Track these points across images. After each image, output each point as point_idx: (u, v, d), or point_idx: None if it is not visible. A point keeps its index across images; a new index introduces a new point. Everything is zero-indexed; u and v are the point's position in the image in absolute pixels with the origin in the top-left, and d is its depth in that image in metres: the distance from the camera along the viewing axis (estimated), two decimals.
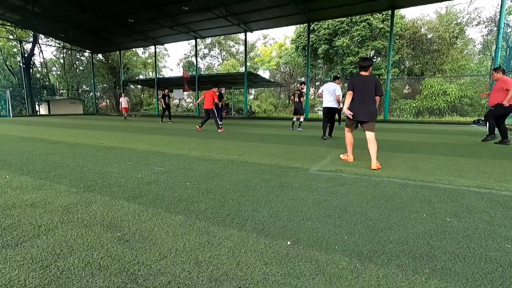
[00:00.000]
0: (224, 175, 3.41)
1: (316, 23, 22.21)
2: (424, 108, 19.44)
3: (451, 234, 1.86)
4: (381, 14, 20.47)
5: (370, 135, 3.93)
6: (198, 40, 23.95)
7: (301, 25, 23.48)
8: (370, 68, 4.06)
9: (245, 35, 20.84)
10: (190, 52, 41.32)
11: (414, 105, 19.80)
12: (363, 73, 4.04)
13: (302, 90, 9.50)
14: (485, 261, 1.55)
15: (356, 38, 21.49)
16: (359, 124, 4.13)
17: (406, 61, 23.76)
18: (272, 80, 33.14)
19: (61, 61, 35.63)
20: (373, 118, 3.96)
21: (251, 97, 37.55)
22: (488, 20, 22.83)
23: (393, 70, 20.07)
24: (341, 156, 4.48)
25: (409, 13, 44.44)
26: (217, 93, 10.12)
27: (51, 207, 2.30)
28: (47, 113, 26.51)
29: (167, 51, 44.62)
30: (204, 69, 42.34)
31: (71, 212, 2.20)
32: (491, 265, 1.50)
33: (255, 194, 2.67)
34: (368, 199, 2.56)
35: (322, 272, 1.43)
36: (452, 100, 18.47)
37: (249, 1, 15.68)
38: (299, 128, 9.47)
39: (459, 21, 22.17)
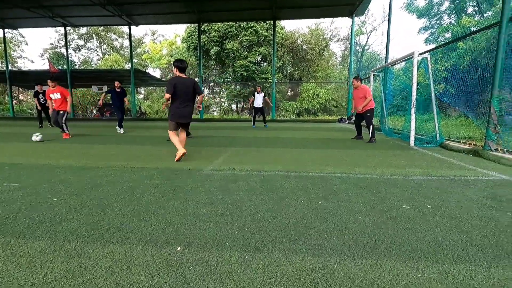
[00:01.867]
0: (105, 184, 2.98)
1: (206, 24, 22.37)
2: (303, 109, 22.59)
3: (322, 215, 2.19)
4: (265, 23, 22.45)
5: (184, 135, 4.50)
6: (69, 28, 20.22)
7: (192, 24, 23.20)
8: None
9: (130, 28, 18.95)
10: (58, 42, 34.55)
11: (295, 106, 22.72)
12: (182, 74, 4.27)
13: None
14: (345, 232, 1.89)
15: (245, 42, 22.85)
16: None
17: (288, 67, 26.91)
18: (163, 79, 31.49)
19: None
20: (191, 119, 4.45)
21: (141, 96, 34.58)
22: (344, 38, 28.44)
23: (277, 75, 22.36)
24: (176, 158, 4.21)
25: (288, 25, 50.61)
26: (119, 89, 8.67)
27: None
28: None
29: (23, 37, 35.88)
30: (79, 63, 36.21)
31: None
32: (349, 235, 1.85)
33: (142, 202, 2.44)
34: (257, 192, 2.74)
35: (212, 272, 1.42)
36: (323, 102, 22.18)
37: None
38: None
39: (325, 36, 26.68)
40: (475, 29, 10.55)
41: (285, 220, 2.09)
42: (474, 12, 17.28)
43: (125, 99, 8.88)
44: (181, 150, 4.25)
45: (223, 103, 29.55)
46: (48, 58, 25.37)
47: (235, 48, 22.71)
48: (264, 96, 11.30)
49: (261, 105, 11.22)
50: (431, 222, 2.05)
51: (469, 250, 1.65)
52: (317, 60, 25.51)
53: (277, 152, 5.14)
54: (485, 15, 15.62)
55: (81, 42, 36.43)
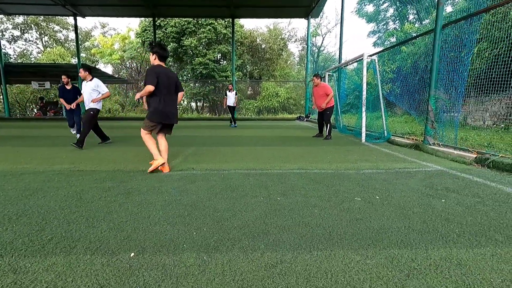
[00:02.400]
0: (48, 190, 2.70)
1: (162, 19, 21.47)
2: (263, 107, 22.87)
3: (280, 211, 2.24)
4: (223, 21, 22.23)
5: (166, 142, 3.64)
6: (1, 16, 17.90)
7: (147, 19, 22.09)
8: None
9: (75, 19, 17.39)
10: None
11: (256, 104, 22.92)
12: (162, 64, 3.46)
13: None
14: (302, 226, 1.95)
15: (203, 40, 22.40)
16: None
17: (247, 66, 27.03)
18: (116, 75, 29.50)
19: None
20: (177, 120, 3.65)
21: None
22: (301, 39, 29.40)
23: (237, 73, 22.33)
24: (150, 168, 3.42)
25: (247, 24, 50.86)
26: (69, 86, 6.65)
27: None
28: None
29: None
30: (14, 55, 32.32)
31: None
32: (306, 229, 1.91)
33: (91, 208, 2.26)
34: (216, 192, 2.70)
35: (168, 276, 1.37)
36: (282, 100, 22.68)
37: None
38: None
39: (283, 36, 27.30)
40: (415, 35, 11.65)
41: (244, 218, 2.09)
42: (414, 20, 19.05)
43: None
44: (159, 159, 3.40)
45: (182, 102, 28.67)
46: None
47: (193, 45, 22.15)
48: (236, 94, 10.96)
49: (235, 104, 10.88)
50: (379, 212, 2.21)
51: (410, 235, 1.82)
52: (276, 60, 26.01)
53: (237, 151, 5.13)
54: (423, 22, 17.30)
55: (17, 33, 32.52)
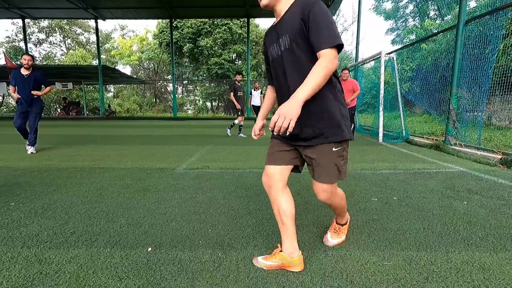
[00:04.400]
0: (70, 186, 2.82)
1: (179, 20, 21.85)
2: (277, 106, 22.84)
3: (296, 209, 2.22)
4: (239, 21, 22.35)
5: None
6: (28, 21, 18.82)
7: (164, 20, 22.55)
8: None
9: (96, 22, 18.00)
10: (16, 35, 32.05)
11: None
12: None
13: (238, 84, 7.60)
14: (317, 226, 1.93)
15: (219, 40, 22.62)
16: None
17: (263, 66, 27.03)
18: (134, 76, 30.31)
19: None
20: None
21: (110, 94, 33.08)
22: None
23: (252, 73, 22.39)
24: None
25: (263, 23, 50.80)
26: (29, 69, 4.69)
27: None
28: None
29: None
30: (40, 58, 33.85)
31: None
32: (321, 229, 1.89)
33: (110, 204, 2.33)
34: (231, 190, 2.73)
35: (184, 271, 1.40)
36: None
37: None
38: (239, 134, 7.79)
39: None
40: (436, 31, 11.25)
41: (259, 216, 2.10)
42: (435, 16, 18.41)
43: (48, 88, 5.03)
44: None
45: (197, 101, 29.07)
46: (4, 53, 23.48)
47: (209, 45, 22.42)
48: (261, 93, 8.82)
49: (260, 104, 8.48)
50: (397, 213, 2.16)
51: (430, 238, 1.76)
52: None
53: (252, 150, 5.15)
54: (445, 18, 16.69)
55: (42, 36, 34.06)
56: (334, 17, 25.83)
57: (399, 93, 7.05)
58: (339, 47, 1.13)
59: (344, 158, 1.36)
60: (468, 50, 5.17)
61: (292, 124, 1.05)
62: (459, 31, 5.09)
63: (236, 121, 7.67)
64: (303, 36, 1.19)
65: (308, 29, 1.16)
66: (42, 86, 4.91)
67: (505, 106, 7.22)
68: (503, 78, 5.28)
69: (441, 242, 1.71)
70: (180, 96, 27.30)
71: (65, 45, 35.82)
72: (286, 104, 1.07)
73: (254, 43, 24.34)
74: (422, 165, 3.86)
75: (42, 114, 5.23)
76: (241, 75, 7.55)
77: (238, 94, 7.56)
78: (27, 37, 19.14)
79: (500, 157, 3.99)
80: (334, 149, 1.30)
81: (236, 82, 7.54)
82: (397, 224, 1.95)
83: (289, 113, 1.05)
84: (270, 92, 1.58)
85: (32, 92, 4.63)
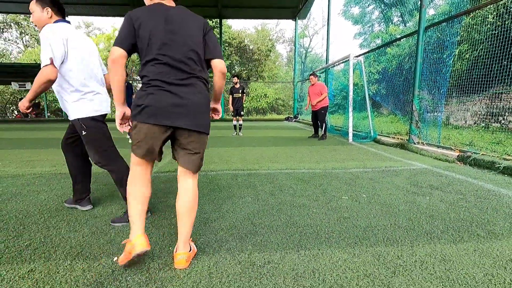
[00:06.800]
0: (26, 194, 2.60)
1: None
2: (252, 108, 22.88)
3: (268, 211, 2.22)
4: (211, 21, 22.11)
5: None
6: None
7: None
8: None
9: None
10: None
11: (244, 105, 22.91)
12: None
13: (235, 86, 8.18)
14: (290, 226, 1.94)
15: None
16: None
17: (236, 67, 26.98)
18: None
19: None
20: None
21: None
22: (289, 40, 29.62)
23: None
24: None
25: (235, 25, 50.74)
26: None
27: None
28: None
29: None
30: None
31: None
32: (293, 228, 1.91)
33: (72, 212, 2.18)
34: (204, 193, 2.66)
35: (153, 280, 1.33)
36: (270, 101, 22.77)
37: None
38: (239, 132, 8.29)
39: (271, 37, 27.40)
40: (399, 36, 11.93)
41: (232, 219, 2.06)
42: (399, 22, 19.52)
43: None
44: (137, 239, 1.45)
45: None
46: None
47: None
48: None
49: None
50: (366, 210, 2.23)
51: (396, 233, 1.84)
52: (264, 61, 26.07)
53: (225, 151, 5.10)
54: (407, 24, 17.75)
55: None
56: (305, 21, 26.47)
57: (367, 95, 7.36)
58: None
59: None
60: (428, 55, 5.52)
61: None
62: (419, 37, 5.42)
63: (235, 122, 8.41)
64: None
65: None
66: None
67: (461, 107, 7.81)
68: (459, 81, 5.70)
69: (406, 236, 1.79)
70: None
71: (23, 42, 33.25)
72: None
73: (227, 44, 24.23)
74: (389, 163, 4.05)
75: None
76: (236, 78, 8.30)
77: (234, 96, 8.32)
78: None
79: (457, 154, 4.30)
80: None
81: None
82: (366, 221, 2.02)
83: None
84: None
85: None
